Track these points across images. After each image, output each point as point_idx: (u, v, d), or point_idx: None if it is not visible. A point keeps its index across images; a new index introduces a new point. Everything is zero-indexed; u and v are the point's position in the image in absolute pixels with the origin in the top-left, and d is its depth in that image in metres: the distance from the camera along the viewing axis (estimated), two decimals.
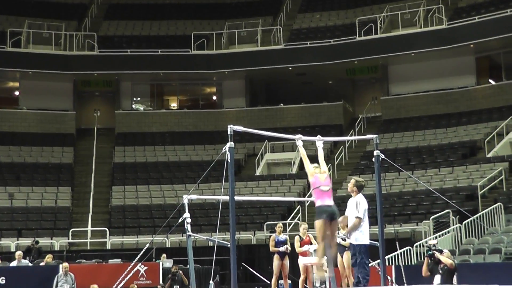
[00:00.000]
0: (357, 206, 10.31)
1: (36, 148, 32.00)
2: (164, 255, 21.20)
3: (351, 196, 10.80)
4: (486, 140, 27.32)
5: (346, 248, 13.80)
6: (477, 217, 20.96)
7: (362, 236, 10.36)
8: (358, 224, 10.23)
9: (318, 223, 9.85)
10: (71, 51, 32.97)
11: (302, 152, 10.44)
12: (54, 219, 27.65)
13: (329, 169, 27.55)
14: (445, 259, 13.57)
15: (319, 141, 10.88)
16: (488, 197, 23.74)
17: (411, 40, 30.70)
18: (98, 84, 35.05)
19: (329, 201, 9.88)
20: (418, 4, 32.41)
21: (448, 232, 20.94)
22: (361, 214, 10.24)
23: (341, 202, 17.57)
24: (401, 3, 33.23)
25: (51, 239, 25.74)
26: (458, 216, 21.75)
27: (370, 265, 18.03)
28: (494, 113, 29.64)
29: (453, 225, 21.51)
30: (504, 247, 19.00)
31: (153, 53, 33.21)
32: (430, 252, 13.81)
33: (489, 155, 26.53)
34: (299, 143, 10.66)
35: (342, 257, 13.71)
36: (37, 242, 22.27)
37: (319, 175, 10.04)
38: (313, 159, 10.31)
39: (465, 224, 20.87)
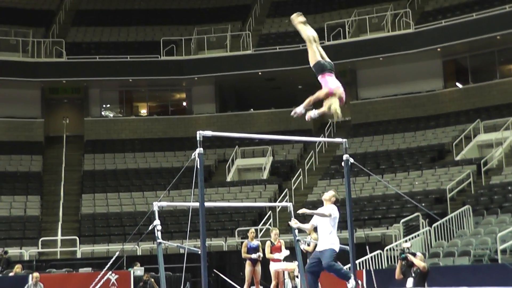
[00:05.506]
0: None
1: (4, 156, 31.62)
2: (138, 263, 21.06)
3: (321, 202, 10.85)
4: (454, 143, 27.57)
5: None
6: (446, 220, 21.12)
7: (333, 241, 10.44)
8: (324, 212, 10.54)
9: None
10: (38, 58, 32.65)
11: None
12: (23, 229, 27.34)
13: (299, 174, 27.98)
14: (418, 262, 13.66)
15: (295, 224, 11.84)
16: (457, 200, 23.94)
17: (379, 44, 30.87)
18: (66, 91, 34.79)
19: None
20: (386, 8, 32.63)
21: (418, 235, 21.08)
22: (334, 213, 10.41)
23: (312, 207, 17.62)
24: (368, 8, 33.40)
25: (20, 249, 25.44)
26: (427, 220, 21.88)
27: None
28: (461, 116, 29.93)
29: (422, 228, 21.65)
30: (472, 250, 19.19)
31: (122, 60, 33.02)
32: (403, 255, 13.88)
33: (457, 158, 26.76)
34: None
35: None
36: (6, 252, 21.99)
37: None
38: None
39: (434, 227, 21.02)
